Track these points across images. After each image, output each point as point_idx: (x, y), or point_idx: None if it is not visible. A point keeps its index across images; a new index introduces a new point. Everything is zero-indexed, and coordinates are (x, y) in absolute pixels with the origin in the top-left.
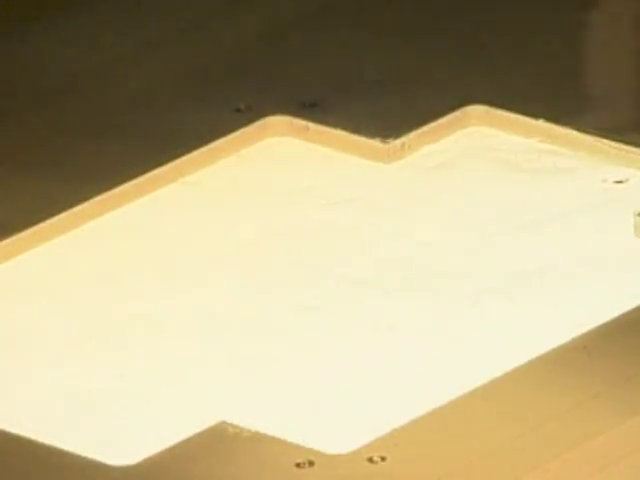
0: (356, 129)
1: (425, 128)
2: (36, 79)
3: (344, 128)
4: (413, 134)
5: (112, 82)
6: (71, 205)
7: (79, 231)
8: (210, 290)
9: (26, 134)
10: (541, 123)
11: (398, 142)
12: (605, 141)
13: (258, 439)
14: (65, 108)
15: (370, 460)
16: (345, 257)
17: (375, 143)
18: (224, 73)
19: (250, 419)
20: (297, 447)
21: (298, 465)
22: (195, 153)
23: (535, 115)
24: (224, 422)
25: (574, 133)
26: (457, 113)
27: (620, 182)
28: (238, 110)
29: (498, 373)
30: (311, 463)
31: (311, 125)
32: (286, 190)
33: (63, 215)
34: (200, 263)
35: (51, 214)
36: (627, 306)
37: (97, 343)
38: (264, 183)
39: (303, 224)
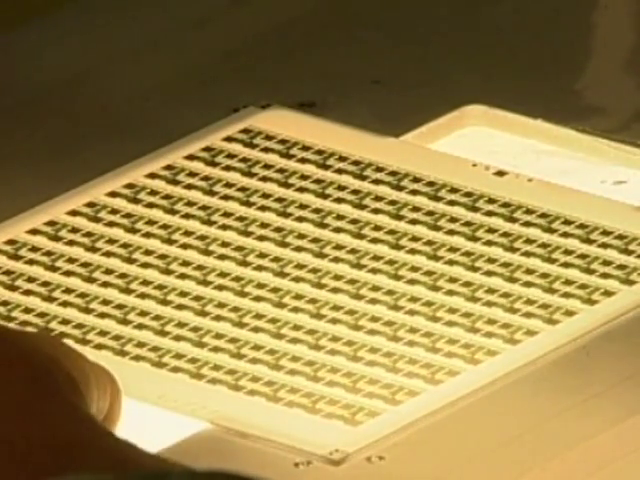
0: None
1: (423, 128)
2: (33, 78)
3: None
4: (411, 134)
5: (111, 82)
6: None
7: None
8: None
9: (23, 133)
10: (540, 123)
11: None
12: (604, 141)
13: (257, 439)
14: (63, 108)
15: (368, 460)
16: None
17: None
18: (223, 73)
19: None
20: (296, 447)
21: (297, 465)
22: None
23: (534, 115)
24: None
25: (573, 133)
26: (455, 113)
27: (620, 183)
28: (236, 110)
29: (498, 373)
30: (309, 463)
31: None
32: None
33: None
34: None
35: None
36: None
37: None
38: None
39: None
